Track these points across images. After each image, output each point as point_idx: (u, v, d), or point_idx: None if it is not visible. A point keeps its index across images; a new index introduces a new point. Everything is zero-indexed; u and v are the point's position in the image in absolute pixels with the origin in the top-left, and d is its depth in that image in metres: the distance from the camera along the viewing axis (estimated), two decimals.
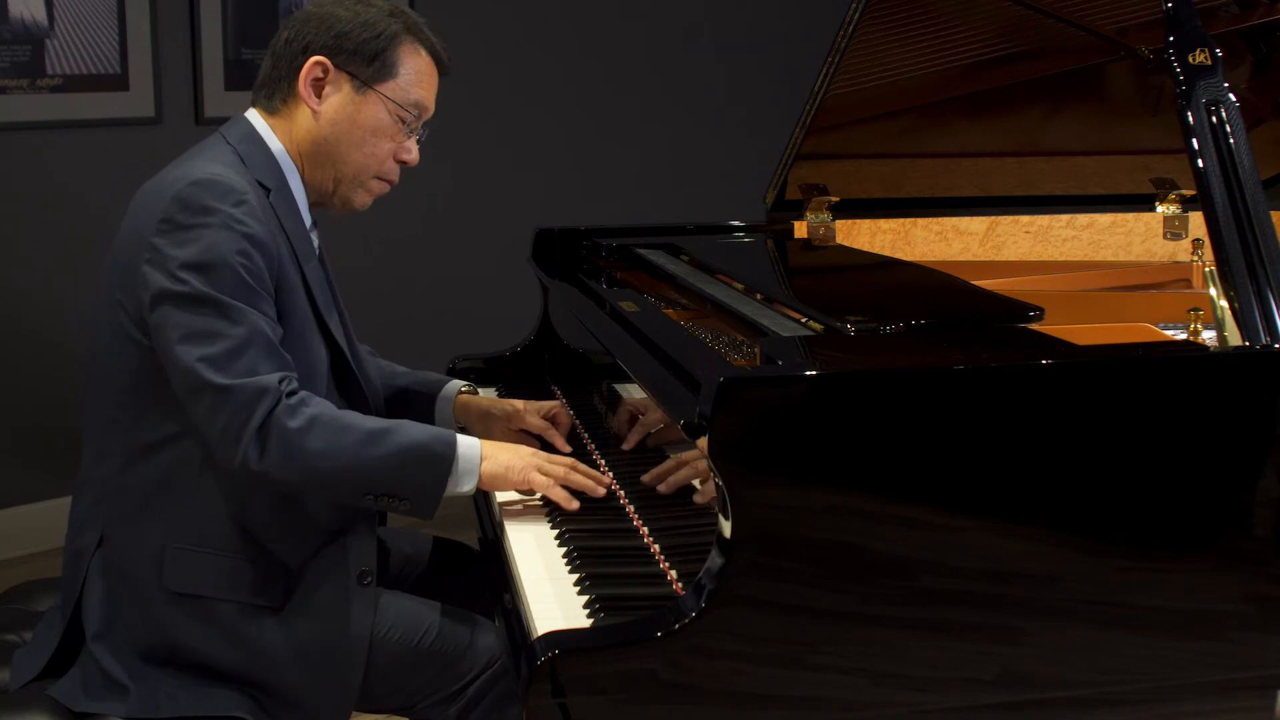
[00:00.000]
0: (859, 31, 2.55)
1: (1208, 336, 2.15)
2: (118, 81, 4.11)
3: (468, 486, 2.00)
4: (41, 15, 3.95)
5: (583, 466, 2.09)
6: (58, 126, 4.04)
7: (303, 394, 1.93)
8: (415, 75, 2.08)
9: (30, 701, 1.98)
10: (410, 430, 1.97)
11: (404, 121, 2.08)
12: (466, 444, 2.00)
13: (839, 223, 2.84)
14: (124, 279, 1.97)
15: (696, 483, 2.01)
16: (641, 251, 2.69)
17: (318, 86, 2.05)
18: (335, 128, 2.06)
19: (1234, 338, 1.92)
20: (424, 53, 2.09)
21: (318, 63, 2.04)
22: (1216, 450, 1.81)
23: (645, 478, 2.08)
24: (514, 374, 2.78)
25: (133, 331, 1.96)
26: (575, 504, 2.03)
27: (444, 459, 1.97)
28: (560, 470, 2.06)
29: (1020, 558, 1.75)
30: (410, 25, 2.08)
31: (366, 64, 2.04)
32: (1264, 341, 1.88)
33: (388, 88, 2.06)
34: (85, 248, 4.02)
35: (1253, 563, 1.82)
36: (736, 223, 2.91)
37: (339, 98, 2.05)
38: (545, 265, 2.78)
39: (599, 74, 5.03)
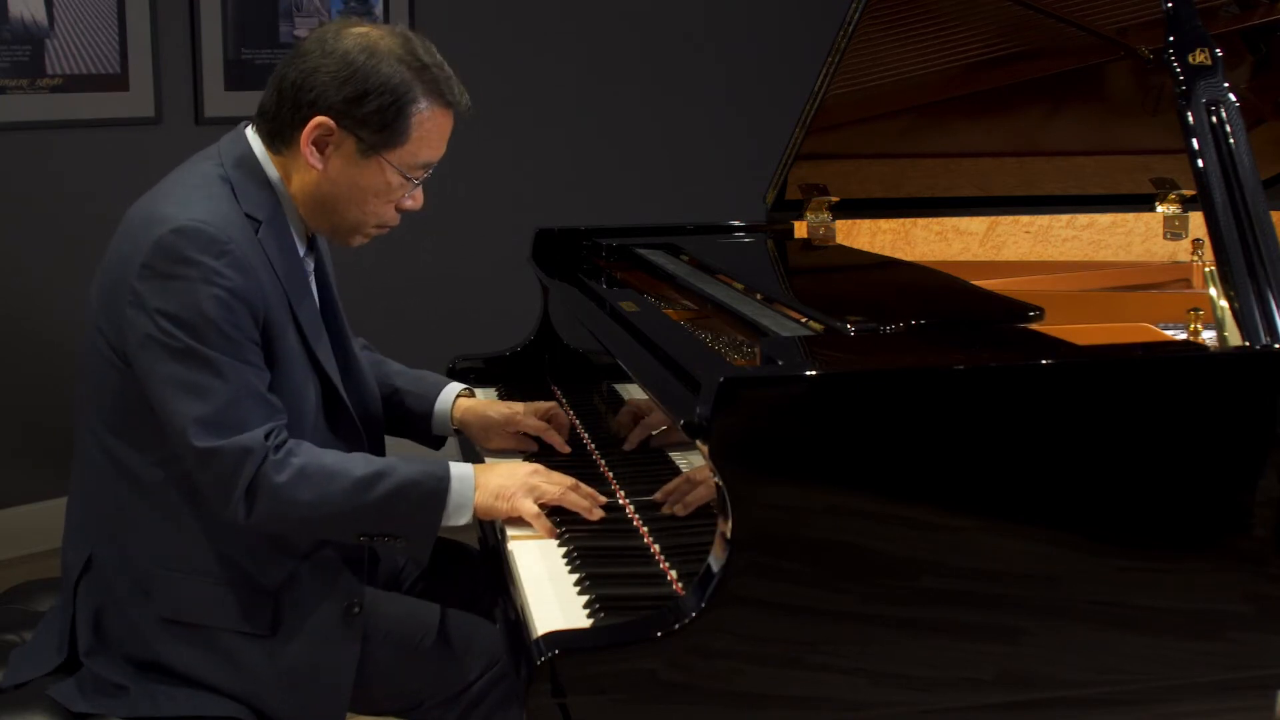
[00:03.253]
0: (859, 31, 2.55)
1: (1208, 336, 2.15)
2: (118, 81, 4.11)
3: (463, 520, 1.99)
4: (41, 15, 3.94)
5: (584, 487, 2.05)
6: (58, 126, 4.03)
7: (289, 444, 1.90)
8: (427, 137, 1.98)
9: (30, 701, 1.98)
10: (401, 470, 1.94)
11: (408, 180, 2.01)
12: (460, 477, 1.97)
13: (839, 223, 2.84)
14: (106, 309, 1.95)
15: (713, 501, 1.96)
16: (641, 251, 2.69)
17: (320, 145, 1.97)
18: (335, 187, 1.99)
19: (1234, 338, 1.92)
20: (439, 110, 1.99)
21: (320, 124, 1.94)
22: (1216, 450, 1.81)
23: (660, 496, 2.03)
24: (514, 374, 2.78)
25: (113, 359, 1.94)
26: (556, 532, 1.99)
27: (437, 496, 1.95)
28: (555, 491, 2.02)
29: (1020, 558, 1.75)
30: (428, 84, 1.97)
31: (375, 131, 1.95)
32: (1264, 341, 1.88)
33: (394, 155, 1.97)
34: (85, 248, 4.00)
35: (1253, 563, 1.82)
36: (736, 223, 2.90)
37: (341, 159, 1.97)
38: (545, 265, 2.77)
39: (599, 74, 5.02)
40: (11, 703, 1.98)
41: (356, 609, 2.00)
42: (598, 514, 2.02)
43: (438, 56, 2.01)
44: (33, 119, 3.98)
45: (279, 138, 2.00)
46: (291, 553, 1.99)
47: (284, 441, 1.90)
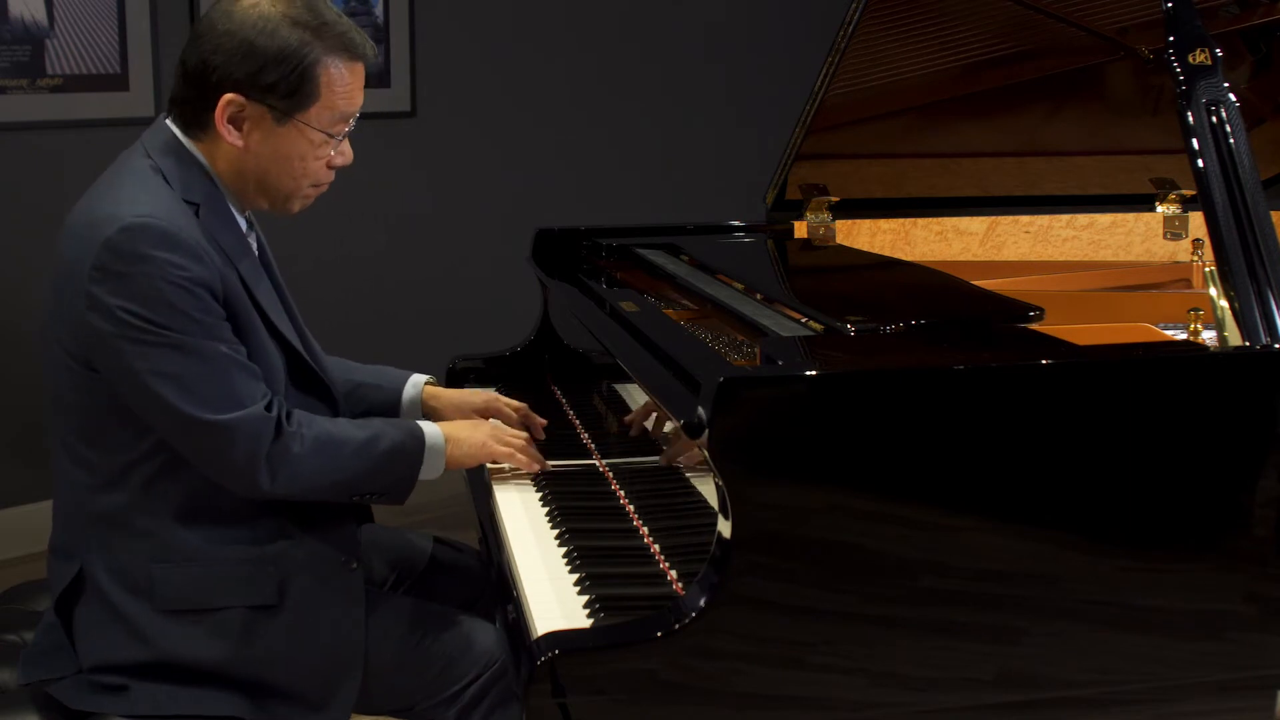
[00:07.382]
0: (859, 31, 2.55)
1: (1208, 336, 2.15)
2: (118, 81, 4.11)
3: (436, 473, 2.11)
4: (41, 15, 3.94)
5: (531, 450, 2.25)
6: (58, 126, 4.03)
7: (295, 414, 1.97)
8: (340, 89, 1.98)
9: (30, 701, 1.97)
10: (388, 432, 2.06)
11: (332, 136, 2.00)
12: (431, 435, 2.10)
13: (839, 223, 2.84)
14: (62, 317, 1.95)
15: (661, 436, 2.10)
16: (641, 251, 2.69)
17: (237, 121, 1.96)
18: (260, 160, 1.99)
19: (1234, 338, 1.92)
20: (344, 64, 1.98)
21: (230, 100, 1.94)
22: (1217, 450, 1.81)
23: (665, 462, 2.12)
24: (514, 374, 2.78)
25: (73, 366, 1.95)
26: (537, 467, 2.23)
27: (416, 454, 2.07)
28: (517, 443, 2.22)
29: (1020, 558, 1.75)
30: (328, 42, 1.96)
31: (284, 97, 1.95)
32: (1264, 341, 1.88)
33: (310, 115, 1.97)
34: None
35: (1253, 563, 1.82)
36: (736, 223, 2.91)
37: (259, 131, 1.97)
38: (545, 265, 2.78)
39: (598, 74, 5.03)
40: (11, 702, 1.98)
41: (354, 565, 2.04)
42: (537, 467, 2.26)
43: (334, 11, 2.02)
44: (33, 119, 3.98)
45: (194, 124, 2.00)
46: (282, 522, 2.01)
47: (288, 412, 1.96)
